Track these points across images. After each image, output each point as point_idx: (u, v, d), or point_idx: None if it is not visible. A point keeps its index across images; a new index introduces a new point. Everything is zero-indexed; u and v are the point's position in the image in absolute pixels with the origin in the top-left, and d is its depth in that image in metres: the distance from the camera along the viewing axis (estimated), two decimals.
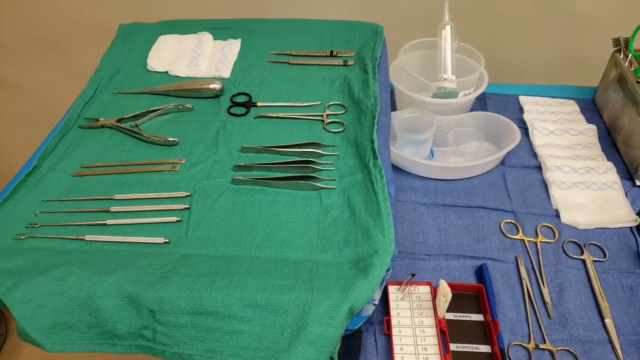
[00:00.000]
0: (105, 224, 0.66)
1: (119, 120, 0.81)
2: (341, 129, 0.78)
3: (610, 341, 0.71)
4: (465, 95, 0.95)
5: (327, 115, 0.81)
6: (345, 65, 0.91)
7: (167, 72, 0.92)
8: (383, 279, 0.59)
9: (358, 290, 0.56)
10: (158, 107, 0.83)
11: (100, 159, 0.76)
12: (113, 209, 0.68)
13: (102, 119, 0.82)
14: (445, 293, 0.69)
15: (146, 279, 0.57)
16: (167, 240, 0.64)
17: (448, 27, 0.98)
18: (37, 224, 0.66)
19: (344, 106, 0.82)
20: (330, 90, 0.86)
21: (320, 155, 0.74)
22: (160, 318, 0.55)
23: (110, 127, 0.81)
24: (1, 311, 1.62)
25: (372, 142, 0.71)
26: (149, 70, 0.92)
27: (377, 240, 0.60)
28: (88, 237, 0.64)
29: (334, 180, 0.71)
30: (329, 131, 0.79)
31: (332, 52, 0.93)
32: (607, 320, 0.73)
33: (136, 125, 0.80)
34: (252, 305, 0.55)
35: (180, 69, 0.91)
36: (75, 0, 1.28)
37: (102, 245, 0.64)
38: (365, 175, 0.69)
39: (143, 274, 0.58)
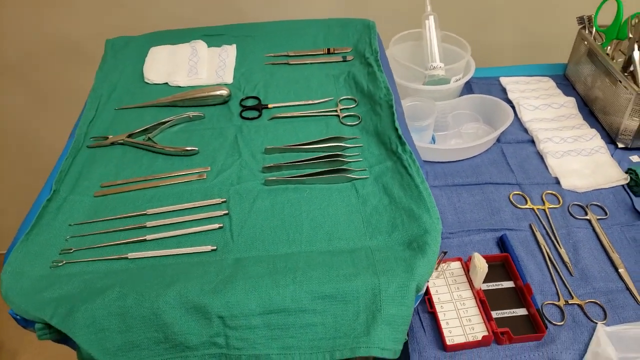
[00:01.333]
0: (145, 240, 0.64)
1: (129, 136, 0.79)
2: (357, 122, 0.80)
3: (628, 288, 0.77)
4: (457, 80, 1.00)
5: (340, 109, 0.82)
6: (344, 61, 0.93)
7: (166, 83, 0.90)
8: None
9: (420, 268, 0.58)
10: (168, 119, 0.81)
11: (118, 176, 0.74)
12: (149, 224, 0.66)
13: (110, 137, 0.79)
14: (481, 264, 0.73)
15: (208, 286, 0.56)
16: (215, 248, 0.63)
17: (431, 17, 1.02)
18: (71, 249, 0.63)
19: (354, 100, 0.84)
20: (336, 86, 0.88)
21: (344, 149, 0.76)
22: (230, 323, 0.55)
23: (122, 144, 0.79)
24: None
25: (396, 129, 0.74)
26: (147, 82, 0.90)
27: (425, 220, 0.63)
28: (131, 255, 0.62)
29: (365, 170, 0.72)
30: (346, 125, 0.80)
31: (329, 49, 0.95)
32: (621, 270, 0.79)
33: (149, 139, 0.78)
34: (321, 297, 0.56)
35: (181, 79, 0.89)
36: (39, 20, 1.21)
37: (147, 262, 0.62)
38: (395, 162, 0.71)
39: (204, 282, 0.57)
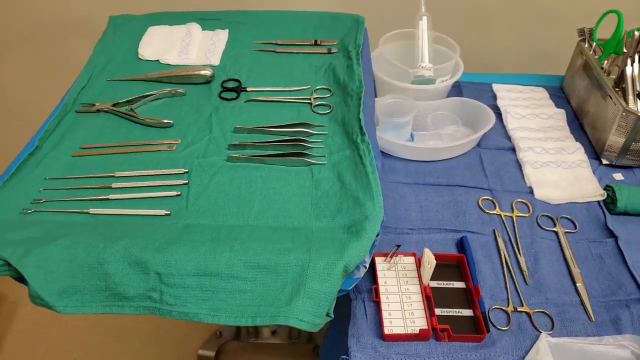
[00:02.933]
0: (108, 199, 0.69)
1: (114, 105, 0.84)
2: (328, 111, 0.83)
3: (582, 303, 0.76)
4: (443, 81, 1.01)
5: (314, 98, 0.86)
6: (329, 53, 0.96)
7: (158, 60, 0.95)
8: (373, 243, 0.64)
9: (352, 250, 0.60)
10: (152, 92, 0.86)
11: (98, 140, 0.79)
12: (115, 185, 0.71)
13: (97, 104, 0.85)
14: (430, 260, 0.74)
15: (152, 245, 0.61)
16: (169, 212, 0.67)
17: (425, 18, 1.04)
18: (42, 200, 0.69)
19: (329, 90, 0.87)
20: (316, 76, 0.91)
21: (310, 135, 0.79)
22: (167, 280, 0.59)
23: (106, 112, 0.84)
24: None
25: (359, 120, 0.76)
26: (140, 59, 0.96)
27: (367, 207, 0.65)
28: (92, 211, 0.68)
29: (324, 156, 0.75)
30: (317, 113, 0.83)
31: (316, 41, 0.98)
32: (578, 285, 0.79)
33: (132, 109, 0.83)
34: (254, 267, 0.59)
35: (171, 57, 0.94)
36: None
37: (106, 218, 0.67)
38: (353, 151, 0.74)
39: (149, 241, 0.61)
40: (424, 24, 1.03)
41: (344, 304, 0.77)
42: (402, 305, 0.75)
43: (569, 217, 0.89)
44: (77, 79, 0.90)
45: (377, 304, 0.75)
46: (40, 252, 0.60)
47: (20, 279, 0.63)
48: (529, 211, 0.90)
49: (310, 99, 0.85)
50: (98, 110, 0.84)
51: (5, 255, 0.60)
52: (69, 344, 1.64)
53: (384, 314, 0.74)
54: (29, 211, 0.67)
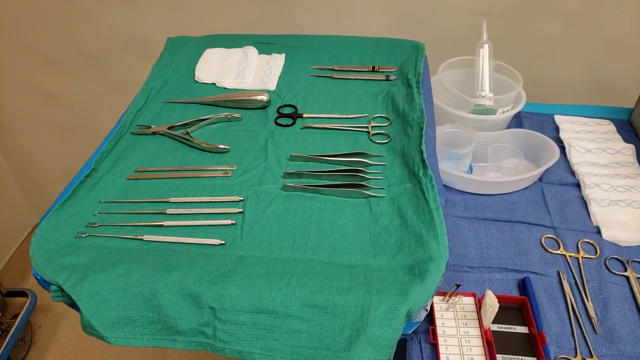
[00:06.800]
0: (162, 225, 0.68)
1: (170, 128, 0.84)
2: (387, 140, 0.80)
3: None
4: (504, 112, 0.97)
5: (372, 127, 0.83)
6: (387, 80, 0.93)
7: (214, 83, 0.95)
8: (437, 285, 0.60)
9: (415, 294, 0.57)
10: (208, 117, 0.85)
11: (153, 164, 0.79)
12: (169, 211, 0.70)
13: (153, 126, 0.84)
14: (493, 303, 0.70)
15: (207, 277, 0.59)
16: (223, 242, 0.66)
17: (486, 46, 1.01)
18: (96, 224, 0.68)
19: (388, 119, 0.84)
20: (374, 104, 0.88)
21: (367, 165, 0.76)
22: (220, 316, 0.57)
23: (162, 134, 0.84)
24: (28, 320, 1.64)
25: (421, 152, 0.73)
26: (196, 81, 0.96)
27: (431, 247, 0.61)
28: (146, 237, 0.66)
29: (383, 189, 0.72)
30: (374, 142, 0.80)
31: (374, 67, 0.96)
32: None
33: (187, 133, 0.83)
34: (311, 306, 0.56)
35: (228, 81, 0.94)
36: (118, 17, 1.33)
37: (159, 246, 0.66)
38: (414, 185, 0.71)
39: (203, 273, 0.59)
40: (485, 51, 0.99)
41: (398, 345, 0.73)
42: (460, 349, 0.71)
43: None
44: (134, 100, 0.90)
45: (435, 346, 0.71)
46: (94, 280, 0.59)
47: (73, 305, 0.62)
48: (596, 253, 0.84)
49: (367, 127, 0.83)
50: (154, 133, 0.84)
51: (60, 281, 0.59)
52: (111, 358, 1.65)
53: (442, 358, 0.69)
54: (83, 235, 0.67)
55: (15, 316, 1.58)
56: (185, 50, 1.03)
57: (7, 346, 1.48)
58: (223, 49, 1.01)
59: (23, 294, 1.66)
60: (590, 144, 1.02)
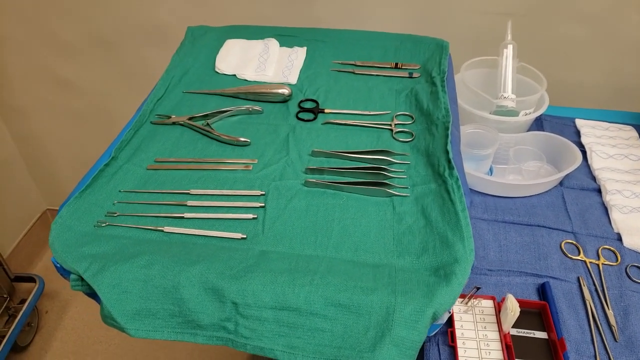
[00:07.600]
0: (182, 217, 0.67)
1: (190, 119, 0.83)
2: (410, 139, 0.79)
3: None
4: (526, 114, 0.95)
5: (395, 124, 0.82)
6: (410, 77, 0.92)
7: (234, 75, 0.94)
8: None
9: (441, 296, 0.56)
10: (229, 108, 0.84)
11: (173, 154, 0.78)
12: (190, 203, 0.69)
13: (173, 116, 0.84)
14: (514, 307, 0.69)
15: (229, 272, 0.58)
16: (245, 236, 0.65)
17: (510, 47, 0.99)
18: (116, 213, 0.67)
19: (411, 117, 0.83)
20: (396, 101, 0.87)
21: (390, 163, 0.75)
22: (243, 311, 0.56)
23: (182, 125, 0.83)
24: (35, 306, 1.65)
25: (447, 152, 0.72)
26: (217, 72, 0.95)
27: (457, 249, 0.60)
28: (167, 229, 0.66)
29: (407, 188, 0.71)
30: (397, 140, 0.79)
31: (397, 64, 0.94)
32: None
33: (208, 125, 0.82)
34: (335, 304, 0.55)
35: (248, 73, 0.93)
36: (135, 4, 1.32)
37: (180, 238, 0.65)
38: (439, 185, 0.70)
39: (226, 267, 0.58)
40: (509, 52, 0.98)
41: None
42: (479, 352, 0.70)
43: None
44: (154, 90, 0.89)
45: (453, 349, 0.71)
46: (115, 271, 0.58)
47: (92, 294, 0.61)
48: (617, 260, 0.83)
49: (390, 124, 0.82)
50: (174, 123, 0.83)
51: (80, 271, 0.59)
52: (117, 346, 1.65)
53: None
54: (103, 224, 0.66)
55: (23, 301, 1.58)
56: (205, 40, 1.02)
57: (14, 331, 1.48)
58: (244, 40, 1.00)
59: (31, 279, 1.65)
60: (612, 150, 1.00)
